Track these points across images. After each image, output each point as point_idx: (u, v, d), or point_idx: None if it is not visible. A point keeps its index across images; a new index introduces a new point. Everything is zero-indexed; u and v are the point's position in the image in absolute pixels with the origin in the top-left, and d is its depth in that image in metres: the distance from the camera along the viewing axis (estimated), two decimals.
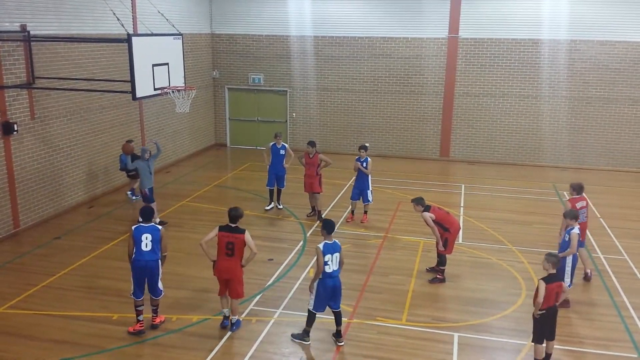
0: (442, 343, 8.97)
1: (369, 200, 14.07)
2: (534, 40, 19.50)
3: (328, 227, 8.67)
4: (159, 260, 8.92)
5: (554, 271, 7.91)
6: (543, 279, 7.85)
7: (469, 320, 9.66)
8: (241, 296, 9.15)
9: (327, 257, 8.48)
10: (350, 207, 14.30)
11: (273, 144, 14.84)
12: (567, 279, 9.82)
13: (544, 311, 7.86)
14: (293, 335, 9.00)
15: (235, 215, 8.85)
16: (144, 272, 8.80)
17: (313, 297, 8.69)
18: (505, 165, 20.36)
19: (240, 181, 18.16)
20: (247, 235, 8.81)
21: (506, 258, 12.22)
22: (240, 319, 9.38)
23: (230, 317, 9.21)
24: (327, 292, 8.61)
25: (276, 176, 14.89)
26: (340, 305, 8.85)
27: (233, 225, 8.82)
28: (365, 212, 14.29)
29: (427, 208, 10.94)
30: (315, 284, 8.62)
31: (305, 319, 8.91)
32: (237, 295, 9.04)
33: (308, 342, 8.86)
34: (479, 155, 20.82)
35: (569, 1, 18.97)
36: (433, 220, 10.81)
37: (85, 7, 14.81)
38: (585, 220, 11.00)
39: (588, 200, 11.52)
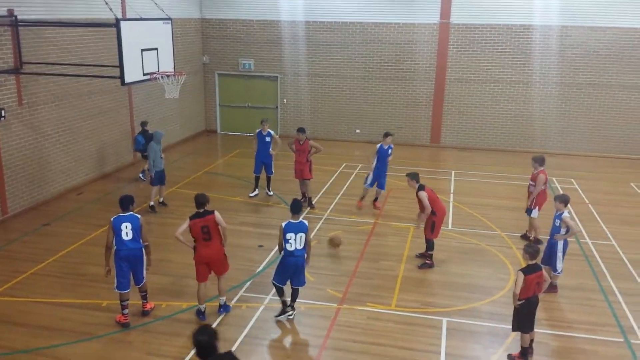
0: (431, 328, 9.04)
1: (383, 188, 14.13)
2: (525, 26, 19.46)
3: (293, 207, 8.89)
4: (143, 249, 8.88)
5: (533, 262, 7.93)
6: (522, 269, 7.89)
7: (458, 305, 9.73)
8: (227, 269, 9.18)
9: (290, 235, 8.70)
10: (362, 192, 14.18)
11: (259, 131, 14.73)
12: (559, 265, 9.91)
13: (523, 301, 7.89)
14: (276, 316, 9.14)
15: (202, 201, 8.92)
16: (129, 261, 8.75)
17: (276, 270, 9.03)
18: (495, 151, 20.41)
19: (230, 167, 18.11)
20: (217, 214, 8.88)
21: (495, 244, 12.30)
22: (230, 305, 9.42)
23: (219, 299, 9.26)
24: (288, 269, 8.85)
25: (263, 163, 14.80)
26: (303, 284, 9.09)
27: (201, 210, 8.87)
28: (376, 199, 14.27)
29: (422, 187, 11.00)
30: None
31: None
32: (224, 270, 9.12)
33: (292, 315, 9.06)
34: (470, 141, 20.86)
35: None
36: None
37: None
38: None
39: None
